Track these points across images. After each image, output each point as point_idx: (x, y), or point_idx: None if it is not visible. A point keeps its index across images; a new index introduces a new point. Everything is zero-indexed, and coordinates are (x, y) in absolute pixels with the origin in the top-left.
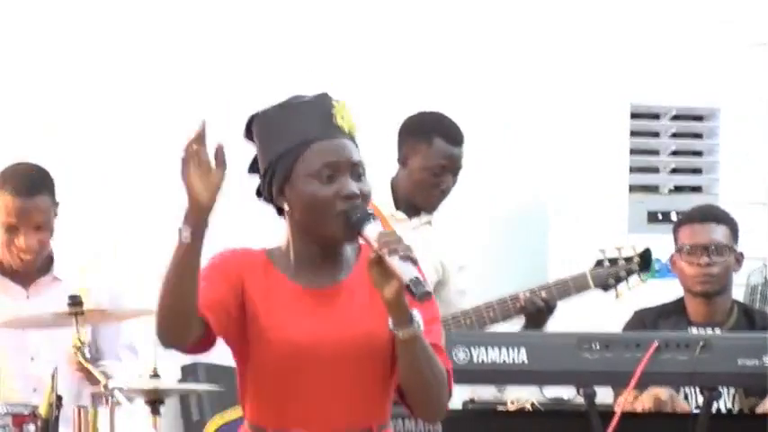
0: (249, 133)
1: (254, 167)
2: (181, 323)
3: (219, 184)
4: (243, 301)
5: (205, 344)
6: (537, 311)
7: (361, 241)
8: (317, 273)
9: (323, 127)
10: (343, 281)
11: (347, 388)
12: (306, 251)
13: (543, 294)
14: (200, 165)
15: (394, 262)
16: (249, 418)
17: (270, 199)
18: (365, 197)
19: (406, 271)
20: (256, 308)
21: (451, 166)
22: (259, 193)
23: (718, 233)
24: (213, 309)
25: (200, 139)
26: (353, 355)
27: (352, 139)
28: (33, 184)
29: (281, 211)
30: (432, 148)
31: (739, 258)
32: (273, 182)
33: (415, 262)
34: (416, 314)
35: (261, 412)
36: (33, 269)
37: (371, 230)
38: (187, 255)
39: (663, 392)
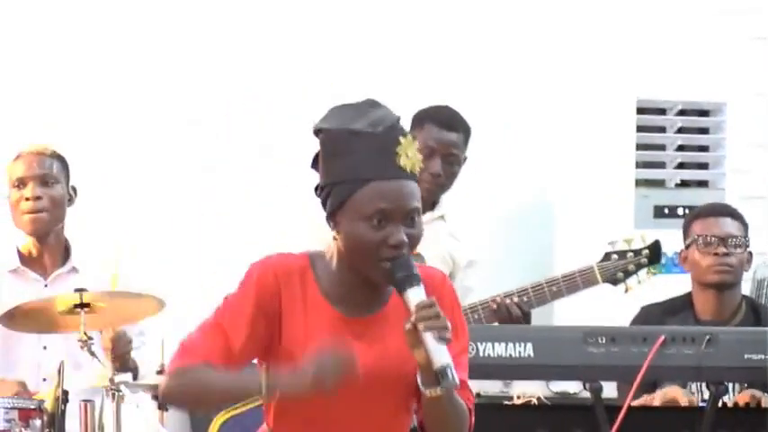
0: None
1: (314, 164)
2: (191, 409)
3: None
4: (275, 319)
5: None
6: (511, 317)
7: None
8: (357, 301)
9: (384, 166)
10: (379, 312)
11: (375, 417)
12: (349, 279)
13: (516, 299)
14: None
15: (428, 339)
16: (273, 427)
17: (325, 205)
18: (414, 241)
19: (437, 356)
20: (293, 326)
21: (442, 150)
22: (317, 189)
23: (734, 227)
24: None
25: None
26: (384, 386)
27: (413, 178)
28: (49, 153)
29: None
30: (422, 131)
31: (750, 257)
32: (327, 204)
33: (449, 341)
34: (450, 372)
35: (285, 426)
36: (41, 233)
37: (413, 296)
38: (250, 394)
39: (678, 392)
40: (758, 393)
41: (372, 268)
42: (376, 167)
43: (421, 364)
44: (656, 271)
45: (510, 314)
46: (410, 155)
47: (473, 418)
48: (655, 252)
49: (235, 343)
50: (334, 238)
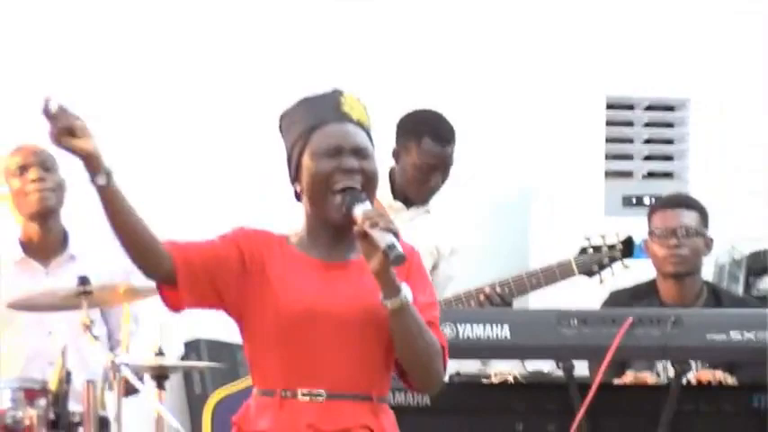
0: (282, 133)
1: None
2: (140, 253)
3: (86, 131)
4: (247, 268)
5: (172, 287)
6: (492, 306)
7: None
8: (329, 249)
9: (331, 113)
10: (352, 260)
11: (351, 352)
12: (319, 229)
13: (499, 290)
14: (68, 131)
15: (375, 233)
16: (258, 383)
17: (292, 189)
18: (367, 175)
19: (383, 238)
20: (268, 275)
21: (440, 165)
22: (298, 197)
23: (688, 218)
24: (186, 254)
25: (52, 116)
26: (358, 322)
27: (360, 126)
28: (41, 147)
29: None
30: (421, 147)
31: (709, 243)
32: (291, 168)
33: (395, 233)
34: (405, 287)
35: (269, 375)
36: (48, 212)
37: (359, 209)
38: (108, 195)
39: (648, 376)
40: (718, 374)
41: (328, 203)
42: (325, 115)
43: (377, 273)
44: (629, 265)
45: (492, 304)
46: (354, 106)
47: (447, 357)
48: (628, 247)
49: (193, 246)
50: (303, 200)
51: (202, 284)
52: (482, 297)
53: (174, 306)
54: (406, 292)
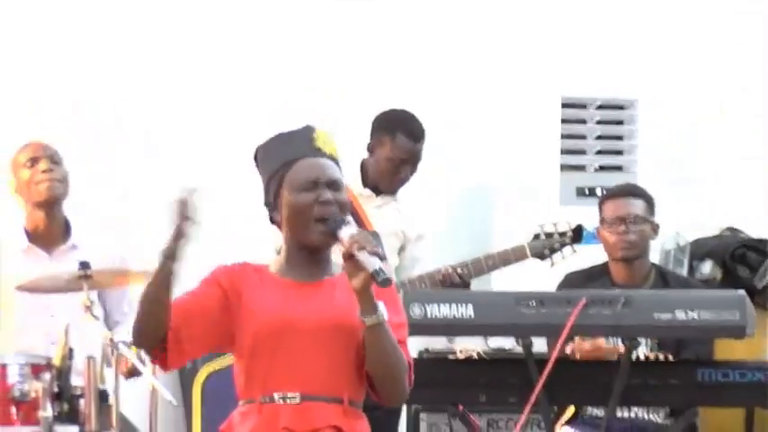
0: (257, 165)
1: (265, 200)
2: (152, 327)
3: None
4: (230, 301)
5: (164, 352)
6: (452, 285)
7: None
8: (304, 271)
9: (306, 148)
10: (326, 279)
11: (323, 359)
12: (296, 255)
13: (459, 270)
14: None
15: (362, 256)
16: (242, 396)
17: (271, 218)
18: (341, 206)
19: (371, 263)
20: (248, 300)
21: (410, 159)
22: (272, 221)
23: (635, 206)
24: (175, 321)
25: (190, 207)
26: (330, 334)
27: (332, 159)
28: (46, 143)
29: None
30: (394, 142)
31: (656, 228)
32: (268, 197)
33: (381, 257)
34: (381, 306)
35: (251, 385)
36: (55, 201)
37: (345, 232)
38: (164, 272)
39: (602, 341)
40: (662, 355)
41: (311, 230)
42: (301, 150)
43: (359, 291)
44: (578, 250)
45: (452, 284)
46: (326, 141)
47: (413, 375)
48: (577, 234)
49: (187, 296)
50: (282, 228)
51: (192, 342)
52: (439, 277)
53: (165, 368)
54: (383, 310)
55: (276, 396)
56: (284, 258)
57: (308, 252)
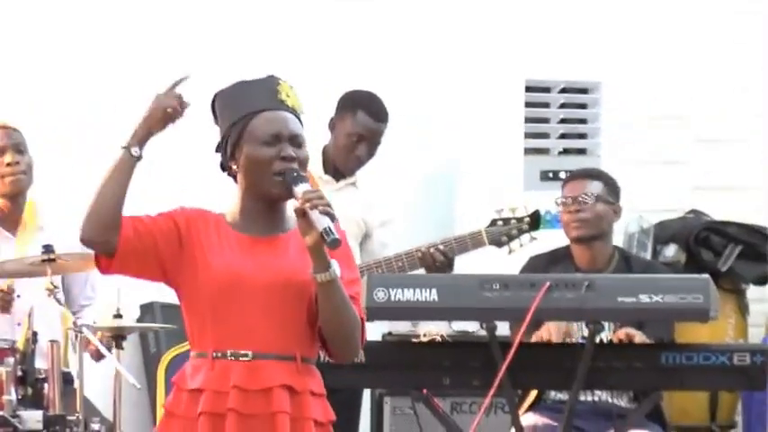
0: (214, 111)
1: (219, 146)
2: (104, 220)
3: (172, 122)
4: (180, 242)
5: (110, 257)
6: (435, 264)
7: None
8: (259, 226)
9: (269, 100)
10: (281, 235)
11: (275, 317)
12: (251, 207)
13: (441, 248)
14: (174, 109)
15: (313, 215)
16: (194, 347)
17: (226, 167)
18: (301, 162)
19: (321, 222)
20: (202, 248)
21: (369, 138)
22: (223, 168)
23: (590, 186)
24: (126, 231)
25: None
26: (281, 290)
27: (294, 113)
28: (12, 126)
29: (235, 178)
30: (355, 118)
31: (617, 210)
32: (227, 148)
33: (332, 217)
34: (334, 263)
35: (202, 339)
36: (20, 192)
37: (300, 189)
38: (126, 164)
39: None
40: (632, 331)
41: (269, 183)
42: (264, 102)
43: (311, 249)
44: (536, 237)
45: (435, 262)
46: (289, 94)
47: (365, 332)
48: (535, 220)
49: (142, 216)
50: (237, 179)
51: (138, 258)
52: (422, 255)
53: (105, 272)
54: (335, 267)
55: (228, 353)
56: (239, 210)
57: (263, 205)
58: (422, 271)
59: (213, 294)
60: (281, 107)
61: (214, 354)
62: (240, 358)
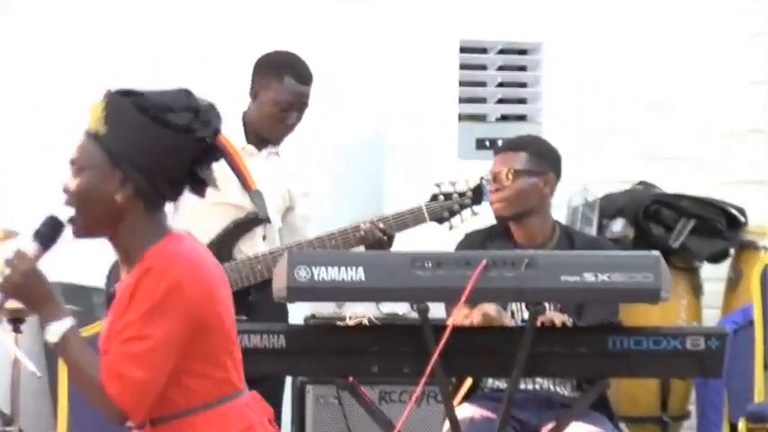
0: None
1: None
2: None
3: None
4: None
5: None
6: (376, 241)
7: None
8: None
9: None
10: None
11: None
12: None
13: (381, 225)
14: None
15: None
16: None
17: None
18: (68, 192)
19: None
20: None
21: (298, 103)
22: None
23: (513, 161)
24: None
25: None
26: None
27: (94, 137)
28: None
29: None
30: (282, 84)
31: (550, 181)
32: None
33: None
34: (56, 324)
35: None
36: None
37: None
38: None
39: (491, 308)
40: (558, 316)
41: None
42: None
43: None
44: (478, 212)
45: (375, 240)
46: (90, 114)
47: (136, 393)
48: (477, 194)
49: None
50: None
51: None
52: (363, 233)
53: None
54: (56, 329)
55: None
56: None
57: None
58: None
59: None
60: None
61: None
62: None
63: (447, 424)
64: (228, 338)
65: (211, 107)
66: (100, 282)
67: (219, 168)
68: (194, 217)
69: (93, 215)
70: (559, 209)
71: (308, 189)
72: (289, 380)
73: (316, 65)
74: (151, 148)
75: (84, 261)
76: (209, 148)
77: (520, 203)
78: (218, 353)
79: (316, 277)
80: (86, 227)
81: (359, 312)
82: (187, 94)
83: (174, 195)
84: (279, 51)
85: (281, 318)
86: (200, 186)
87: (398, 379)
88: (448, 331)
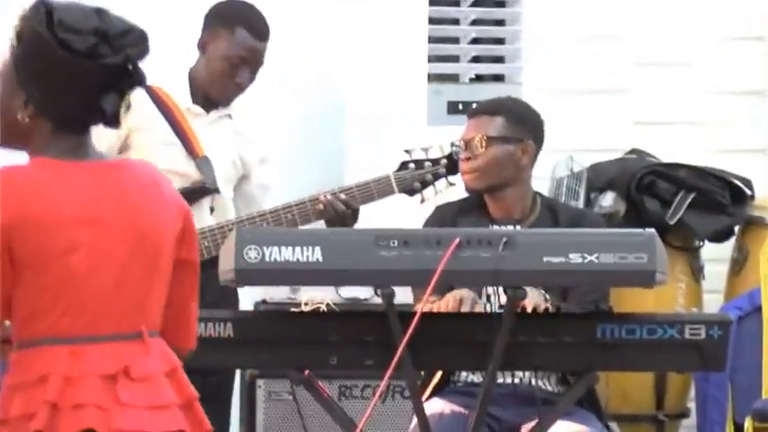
0: None
1: None
2: None
3: None
4: None
5: None
6: (337, 215)
7: None
8: None
9: None
10: None
11: None
12: None
13: (343, 196)
14: None
15: None
16: None
17: None
18: None
19: None
20: None
21: (251, 60)
22: None
23: (486, 126)
24: None
25: None
26: None
27: (11, 51)
28: None
29: None
30: (233, 37)
31: (528, 149)
32: None
33: None
34: None
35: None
36: None
37: None
38: None
39: (466, 293)
40: (540, 301)
41: None
42: None
43: None
44: (454, 182)
45: (336, 214)
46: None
47: None
48: (453, 162)
49: None
50: None
51: None
52: (320, 206)
53: None
54: None
55: None
56: None
57: None
58: (320, 225)
59: None
60: None
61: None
62: None
63: (414, 422)
64: (63, 279)
65: (127, 31)
66: None
67: (162, 131)
68: None
69: (7, 129)
70: (543, 181)
71: (264, 155)
72: (238, 373)
73: (275, 18)
74: (49, 69)
75: None
76: (119, 75)
77: (494, 174)
78: (40, 291)
79: (267, 258)
80: (2, 138)
81: (316, 298)
82: (99, 13)
83: (83, 120)
84: (234, 1)
85: (229, 303)
86: (110, 117)
87: (360, 372)
88: (416, 319)
